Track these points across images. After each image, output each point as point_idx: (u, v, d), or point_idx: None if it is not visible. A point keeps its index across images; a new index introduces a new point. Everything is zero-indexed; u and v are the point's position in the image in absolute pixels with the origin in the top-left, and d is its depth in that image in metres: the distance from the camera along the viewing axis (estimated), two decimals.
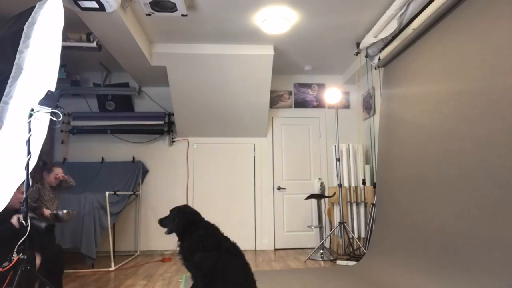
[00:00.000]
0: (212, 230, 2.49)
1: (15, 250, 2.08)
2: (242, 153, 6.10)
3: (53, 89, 2.33)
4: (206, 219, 2.61)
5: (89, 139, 5.88)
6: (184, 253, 2.42)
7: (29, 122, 2.14)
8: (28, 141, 2.13)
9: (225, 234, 2.51)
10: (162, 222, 2.60)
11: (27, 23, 2.31)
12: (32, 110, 2.17)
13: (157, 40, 4.91)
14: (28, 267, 2.10)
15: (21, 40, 2.26)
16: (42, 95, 2.21)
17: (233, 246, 2.45)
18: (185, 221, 2.48)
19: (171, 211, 2.61)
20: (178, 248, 2.49)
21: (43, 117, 2.25)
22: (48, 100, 2.19)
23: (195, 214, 2.58)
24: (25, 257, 2.10)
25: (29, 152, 2.13)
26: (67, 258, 5.09)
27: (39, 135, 2.31)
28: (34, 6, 2.50)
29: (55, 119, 2.24)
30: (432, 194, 3.22)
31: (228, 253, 2.37)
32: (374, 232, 4.32)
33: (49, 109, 2.24)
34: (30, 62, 2.30)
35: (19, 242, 2.09)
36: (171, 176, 5.93)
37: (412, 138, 3.73)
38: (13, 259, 2.05)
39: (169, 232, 2.56)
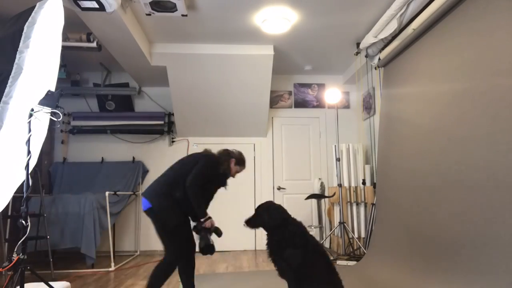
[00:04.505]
0: (301, 228, 2.54)
1: (15, 250, 2.07)
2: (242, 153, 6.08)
3: (53, 89, 2.33)
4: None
5: (89, 139, 5.87)
6: (273, 247, 2.48)
7: (29, 122, 2.14)
8: (28, 141, 2.13)
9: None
10: (251, 222, 2.64)
11: (27, 23, 2.31)
12: (32, 110, 2.17)
13: (157, 40, 4.91)
14: (28, 267, 2.09)
15: (21, 40, 2.26)
16: (42, 95, 2.20)
17: (319, 245, 2.52)
18: (279, 217, 2.53)
19: (257, 209, 2.66)
20: (266, 242, 2.53)
21: (43, 117, 2.25)
22: (48, 100, 2.19)
23: (286, 212, 2.63)
24: (25, 257, 2.10)
25: (29, 152, 2.13)
26: (67, 258, 5.11)
27: (39, 135, 2.31)
28: (34, 6, 2.50)
29: (55, 119, 2.24)
30: (432, 194, 3.22)
31: (315, 251, 2.43)
32: (374, 232, 4.31)
33: (49, 109, 2.23)
34: (30, 62, 2.29)
35: (19, 242, 2.09)
36: None
37: (412, 138, 3.73)
38: (13, 259, 2.05)
39: (255, 227, 2.60)
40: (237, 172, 3.10)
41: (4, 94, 2.12)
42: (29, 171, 2.20)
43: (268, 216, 2.54)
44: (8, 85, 2.11)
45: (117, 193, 5.04)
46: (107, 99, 5.86)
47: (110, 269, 4.45)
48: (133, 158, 5.87)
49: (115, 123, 5.77)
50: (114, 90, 5.86)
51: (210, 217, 2.72)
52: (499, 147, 2.49)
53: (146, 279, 3.90)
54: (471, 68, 2.89)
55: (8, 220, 4.29)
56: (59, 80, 5.44)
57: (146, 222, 5.79)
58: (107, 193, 4.63)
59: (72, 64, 5.49)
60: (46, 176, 5.58)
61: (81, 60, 5.41)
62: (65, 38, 4.23)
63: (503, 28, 2.59)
